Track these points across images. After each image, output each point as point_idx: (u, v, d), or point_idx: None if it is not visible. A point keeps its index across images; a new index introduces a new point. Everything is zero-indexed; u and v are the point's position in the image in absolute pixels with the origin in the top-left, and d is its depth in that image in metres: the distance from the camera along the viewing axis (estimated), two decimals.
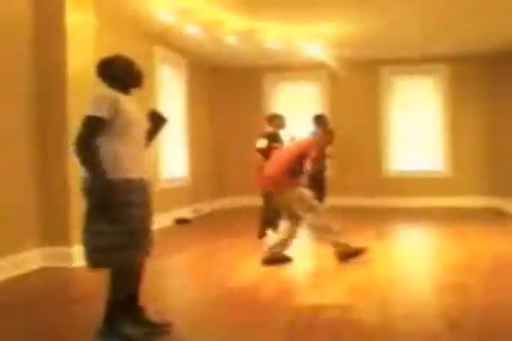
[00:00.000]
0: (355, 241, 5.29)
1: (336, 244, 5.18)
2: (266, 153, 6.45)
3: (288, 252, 5.33)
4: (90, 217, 2.97)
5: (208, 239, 6.75)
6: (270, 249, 5.28)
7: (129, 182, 2.96)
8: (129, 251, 2.95)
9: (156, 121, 3.33)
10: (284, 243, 5.29)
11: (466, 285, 4.28)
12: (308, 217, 5.18)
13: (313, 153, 5.21)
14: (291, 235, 5.30)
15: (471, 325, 3.33)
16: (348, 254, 5.17)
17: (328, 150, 5.64)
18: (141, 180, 3.08)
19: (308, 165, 5.20)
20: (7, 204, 4.81)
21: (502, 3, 6.45)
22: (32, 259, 5.03)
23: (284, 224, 5.35)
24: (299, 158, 5.23)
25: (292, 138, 6.84)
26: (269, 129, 6.64)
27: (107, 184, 2.86)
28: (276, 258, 5.24)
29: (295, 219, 5.31)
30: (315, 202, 5.26)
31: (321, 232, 5.23)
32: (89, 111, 2.90)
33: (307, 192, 5.27)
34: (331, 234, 5.17)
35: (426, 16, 7.01)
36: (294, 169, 5.23)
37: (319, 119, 8.44)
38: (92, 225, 2.95)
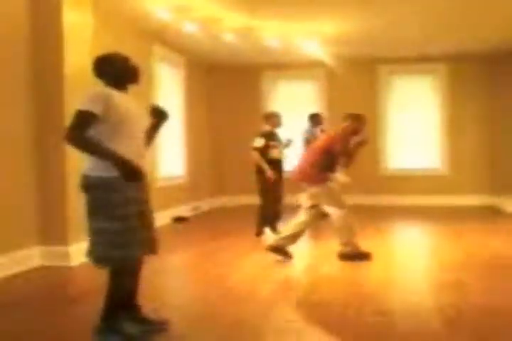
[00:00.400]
0: (361, 245, 5.30)
1: (346, 243, 5.21)
2: (263, 151, 6.45)
3: (292, 248, 5.31)
4: (89, 214, 2.98)
5: (206, 238, 6.74)
6: (279, 238, 5.28)
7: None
8: (127, 248, 2.95)
9: (157, 116, 3.33)
10: (294, 237, 5.27)
11: (463, 284, 4.28)
12: (333, 213, 5.20)
13: (337, 148, 5.18)
14: (303, 230, 5.29)
15: (468, 323, 3.33)
16: (352, 256, 5.19)
17: (360, 137, 5.35)
18: None
19: (341, 162, 5.20)
20: (6, 203, 4.80)
21: (501, 3, 6.45)
22: (30, 258, 5.02)
23: (298, 219, 5.32)
24: (325, 152, 5.20)
25: (289, 141, 6.84)
26: (266, 128, 6.63)
27: (122, 160, 2.87)
28: (280, 250, 5.25)
29: (315, 215, 5.30)
30: (342, 199, 5.24)
31: (340, 228, 5.22)
32: (82, 106, 2.90)
33: (336, 188, 5.26)
34: (348, 232, 5.20)
35: (425, 16, 7.00)
36: (321, 164, 5.20)
37: (314, 118, 8.45)
38: (92, 222, 2.96)
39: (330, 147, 5.22)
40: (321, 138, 5.52)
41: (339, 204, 5.19)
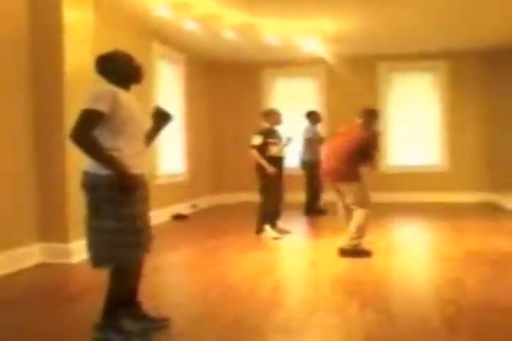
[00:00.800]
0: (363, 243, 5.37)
1: (353, 239, 5.25)
2: (262, 149, 6.44)
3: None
4: (91, 213, 2.96)
5: (206, 235, 6.74)
6: (352, 241, 5.30)
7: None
8: (129, 248, 2.95)
9: (161, 118, 3.31)
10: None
11: (463, 281, 4.29)
12: (358, 209, 5.26)
13: (371, 144, 5.27)
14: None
15: (468, 321, 3.33)
16: (353, 252, 5.23)
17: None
18: (141, 176, 3.08)
19: (370, 161, 5.33)
20: (6, 200, 4.80)
21: (501, 3, 6.44)
22: (31, 255, 5.03)
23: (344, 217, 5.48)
24: (356, 150, 5.23)
25: (289, 139, 6.80)
26: (265, 125, 6.62)
27: (122, 172, 2.86)
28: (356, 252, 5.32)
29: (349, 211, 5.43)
30: (368, 199, 5.31)
31: (358, 224, 5.24)
32: (88, 105, 2.87)
33: (364, 187, 5.31)
34: (361, 230, 5.26)
35: (425, 14, 7.00)
36: (352, 161, 5.25)
37: (312, 116, 8.45)
38: (93, 221, 2.95)
39: (360, 145, 5.25)
40: (344, 135, 5.46)
41: (366, 202, 5.28)
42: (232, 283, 4.36)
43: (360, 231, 5.26)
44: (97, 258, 2.97)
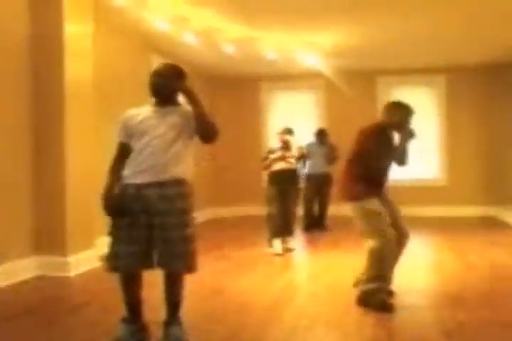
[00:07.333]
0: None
1: (371, 280, 3.93)
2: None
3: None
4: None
5: (205, 249, 6.69)
6: None
7: (126, 188, 3.09)
8: (112, 260, 3.08)
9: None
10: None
11: (463, 297, 4.26)
12: (370, 242, 3.93)
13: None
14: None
15: (468, 335, 3.30)
16: (373, 303, 3.87)
17: None
18: (137, 185, 3.11)
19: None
20: (2, 212, 4.78)
21: (499, 16, 6.49)
22: (28, 268, 4.98)
23: None
24: (360, 157, 4.01)
25: (301, 149, 6.79)
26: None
27: (104, 193, 3.14)
28: None
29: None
30: (383, 226, 3.90)
31: (371, 262, 3.93)
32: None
33: (378, 209, 3.97)
34: (379, 267, 3.92)
35: (425, 28, 7.04)
36: (356, 173, 4.03)
37: (322, 134, 8.46)
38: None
39: (363, 147, 4.10)
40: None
41: (375, 232, 3.96)
42: (229, 296, 4.32)
43: (379, 268, 3.93)
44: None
